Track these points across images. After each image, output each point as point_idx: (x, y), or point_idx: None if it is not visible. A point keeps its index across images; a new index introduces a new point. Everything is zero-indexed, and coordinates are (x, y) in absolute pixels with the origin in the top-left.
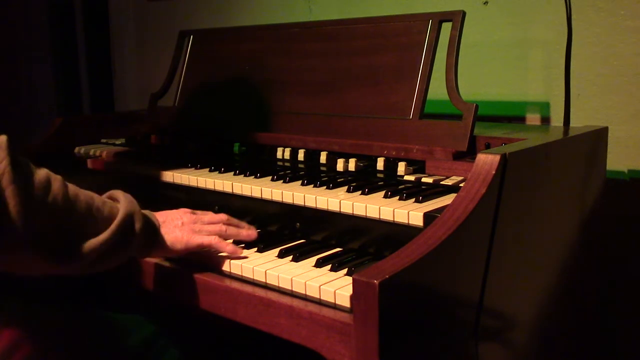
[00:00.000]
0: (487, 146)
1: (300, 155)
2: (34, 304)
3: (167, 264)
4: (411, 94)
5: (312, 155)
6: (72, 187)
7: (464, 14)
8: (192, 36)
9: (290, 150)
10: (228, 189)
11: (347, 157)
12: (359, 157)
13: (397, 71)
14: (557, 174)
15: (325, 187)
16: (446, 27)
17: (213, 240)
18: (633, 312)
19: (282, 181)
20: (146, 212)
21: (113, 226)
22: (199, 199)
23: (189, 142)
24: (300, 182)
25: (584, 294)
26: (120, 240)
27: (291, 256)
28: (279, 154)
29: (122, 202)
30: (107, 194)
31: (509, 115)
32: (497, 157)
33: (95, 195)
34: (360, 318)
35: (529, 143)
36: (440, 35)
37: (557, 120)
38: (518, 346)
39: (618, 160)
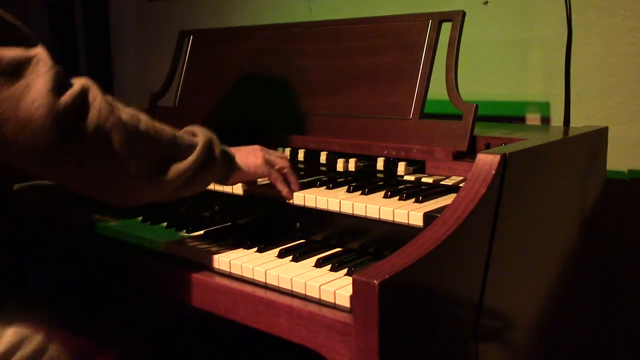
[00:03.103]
0: (487, 146)
1: (300, 155)
2: (34, 304)
3: (166, 263)
4: (411, 94)
5: (312, 155)
6: (157, 122)
7: (464, 14)
8: (192, 36)
9: (290, 150)
10: (228, 189)
11: (347, 157)
12: (359, 157)
13: (397, 71)
14: (557, 174)
15: (325, 187)
16: (446, 27)
17: (285, 163)
18: (633, 312)
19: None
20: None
21: (196, 151)
22: (200, 199)
23: None
24: (300, 182)
25: (584, 294)
26: (204, 164)
27: (291, 256)
28: None
29: (200, 133)
30: (184, 129)
31: (509, 115)
32: (497, 157)
33: (175, 129)
34: (360, 318)
35: (529, 143)
36: (440, 35)
37: (557, 120)
38: (518, 346)
39: (618, 160)
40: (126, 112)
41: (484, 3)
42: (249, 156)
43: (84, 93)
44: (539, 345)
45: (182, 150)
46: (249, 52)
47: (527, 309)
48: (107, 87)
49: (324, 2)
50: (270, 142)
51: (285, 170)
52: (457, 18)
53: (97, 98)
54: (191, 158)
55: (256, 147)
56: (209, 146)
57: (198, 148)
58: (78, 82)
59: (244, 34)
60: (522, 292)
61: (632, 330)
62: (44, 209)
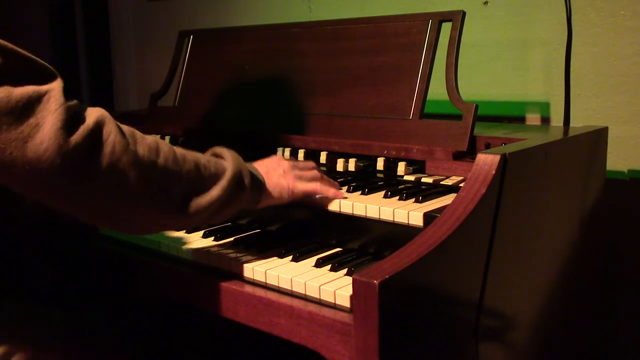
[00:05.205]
0: (487, 146)
1: (301, 155)
2: (33, 304)
3: (166, 263)
4: (411, 94)
5: (312, 155)
6: (179, 149)
7: (464, 14)
8: (192, 36)
9: (291, 150)
10: None
11: (347, 157)
12: (359, 157)
13: (397, 71)
14: (557, 174)
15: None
16: (446, 27)
17: (317, 186)
18: (633, 311)
19: None
20: (250, 166)
21: (223, 183)
22: None
23: (189, 142)
24: None
25: (584, 293)
26: (230, 196)
27: (291, 256)
28: (279, 154)
29: (228, 159)
30: (210, 150)
31: (509, 115)
32: (497, 157)
33: (200, 155)
34: (360, 318)
35: (529, 143)
36: (440, 35)
37: (557, 120)
38: (518, 346)
39: (618, 160)
40: (144, 145)
41: (484, 3)
42: (279, 181)
43: (97, 129)
44: (539, 345)
45: (206, 181)
46: (248, 52)
47: (527, 308)
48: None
49: (324, 2)
50: (270, 142)
51: (318, 192)
52: (457, 18)
53: (111, 134)
54: (215, 192)
55: (285, 164)
56: (237, 178)
57: (224, 181)
58: (92, 116)
59: (243, 34)
60: (522, 292)
61: (632, 330)
62: (46, 209)
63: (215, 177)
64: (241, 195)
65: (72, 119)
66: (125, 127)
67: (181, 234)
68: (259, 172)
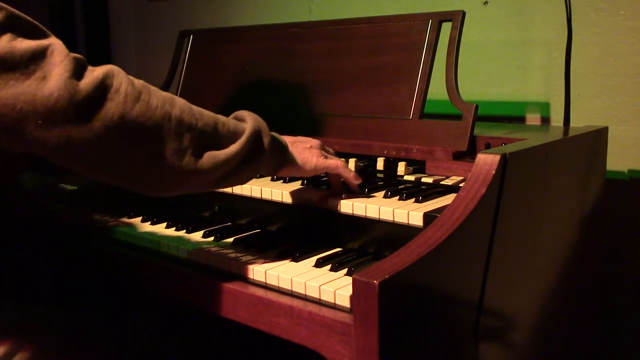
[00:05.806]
0: (487, 146)
1: None
2: (33, 305)
3: (167, 263)
4: (411, 94)
5: None
6: (196, 107)
7: (463, 14)
8: (192, 36)
9: None
10: (227, 189)
11: (347, 157)
12: (359, 157)
13: (397, 71)
14: (557, 174)
15: (325, 187)
16: (446, 27)
17: (340, 164)
18: (633, 311)
19: (282, 181)
20: (273, 133)
21: (242, 140)
22: (201, 198)
23: None
24: (300, 182)
25: (584, 293)
26: (249, 155)
27: (291, 256)
28: None
29: (248, 119)
30: (233, 114)
31: (509, 115)
32: (497, 157)
33: (220, 115)
34: (360, 318)
35: (529, 143)
36: (440, 35)
37: (557, 120)
38: (518, 346)
39: (618, 160)
40: (158, 97)
41: (484, 3)
42: (304, 152)
43: (107, 78)
44: (539, 345)
45: (224, 138)
46: (248, 52)
47: (528, 308)
48: None
49: (324, 2)
50: None
51: (340, 170)
52: (457, 18)
53: (122, 84)
54: (234, 147)
55: (314, 142)
56: (256, 136)
57: (243, 137)
58: (101, 68)
59: (243, 34)
60: (522, 292)
61: (632, 330)
62: (50, 209)
63: (234, 135)
64: (260, 154)
65: (80, 69)
66: (137, 80)
67: (181, 233)
68: (284, 139)
